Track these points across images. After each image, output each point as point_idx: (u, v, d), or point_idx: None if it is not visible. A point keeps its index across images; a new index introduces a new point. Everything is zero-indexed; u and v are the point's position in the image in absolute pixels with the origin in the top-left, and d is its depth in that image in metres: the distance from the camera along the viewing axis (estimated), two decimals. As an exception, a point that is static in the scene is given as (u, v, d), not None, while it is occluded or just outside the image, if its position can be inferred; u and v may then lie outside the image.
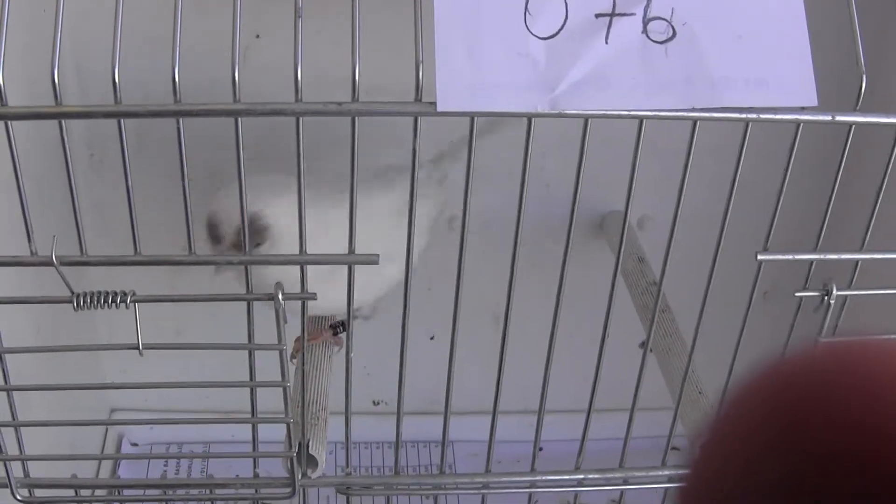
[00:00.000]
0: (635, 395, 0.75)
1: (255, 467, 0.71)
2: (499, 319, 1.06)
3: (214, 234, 0.73)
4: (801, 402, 0.28)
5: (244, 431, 0.73)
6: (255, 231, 0.72)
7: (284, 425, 0.70)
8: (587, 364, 0.83)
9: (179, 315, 0.92)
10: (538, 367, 0.77)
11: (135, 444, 1.07)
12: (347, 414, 0.71)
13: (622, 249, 0.70)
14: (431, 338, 1.04)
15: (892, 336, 0.63)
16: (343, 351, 0.76)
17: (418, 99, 0.58)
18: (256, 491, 0.71)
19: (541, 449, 1.03)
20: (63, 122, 0.59)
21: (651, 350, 0.86)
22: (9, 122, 0.59)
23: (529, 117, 0.60)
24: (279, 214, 0.72)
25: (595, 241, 1.00)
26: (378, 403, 1.09)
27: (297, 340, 0.75)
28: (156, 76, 0.60)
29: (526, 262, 0.70)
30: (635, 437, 0.79)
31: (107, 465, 1.05)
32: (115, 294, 0.63)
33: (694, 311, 0.73)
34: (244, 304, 0.66)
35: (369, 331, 0.84)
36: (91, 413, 0.98)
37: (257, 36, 0.89)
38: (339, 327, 0.82)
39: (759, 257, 0.67)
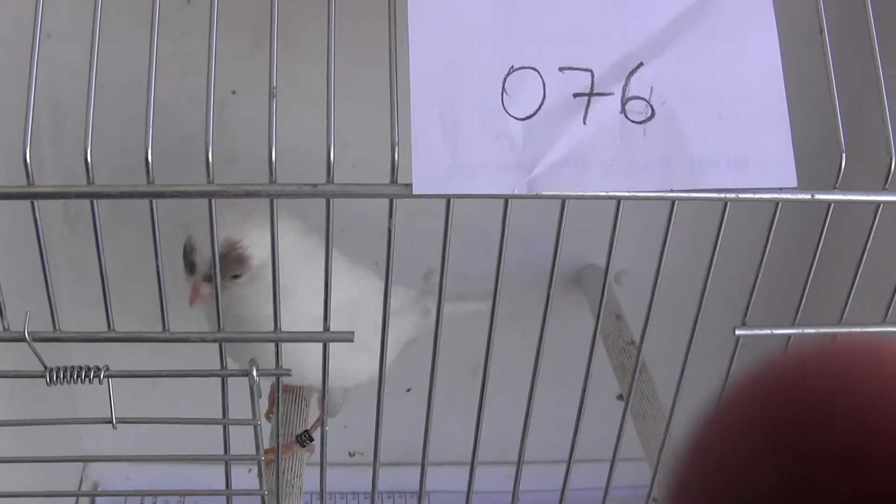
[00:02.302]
0: (612, 464, 0.74)
1: (229, 539, 0.69)
2: (475, 371, 1.06)
3: (189, 262, 0.69)
4: (793, 403, 0.27)
5: (221, 479, 0.72)
6: (232, 260, 0.69)
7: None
8: (562, 415, 0.82)
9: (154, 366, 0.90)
10: (514, 418, 0.76)
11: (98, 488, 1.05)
12: (322, 483, 0.70)
13: (601, 313, 0.69)
14: (408, 390, 1.02)
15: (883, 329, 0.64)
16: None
17: (394, 181, 0.57)
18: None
19: (518, 500, 1.02)
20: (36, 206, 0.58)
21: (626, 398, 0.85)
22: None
23: (506, 199, 0.59)
24: (260, 245, 0.67)
25: (571, 294, 0.98)
26: (354, 455, 1.07)
27: (269, 452, 0.70)
28: (132, 129, 0.59)
29: (502, 315, 0.68)
30: (616, 487, 0.78)
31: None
32: (89, 369, 0.61)
33: (669, 366, 0.72)
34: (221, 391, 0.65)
35: None
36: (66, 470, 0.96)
37: (233, 92, 0.87)
38: (305, 438, 0.79)
39: (738, 332, 0.66)
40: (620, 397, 1.06)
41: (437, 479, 0.88)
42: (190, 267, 0.70)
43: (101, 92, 0.56)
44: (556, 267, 0.63)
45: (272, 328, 0.62)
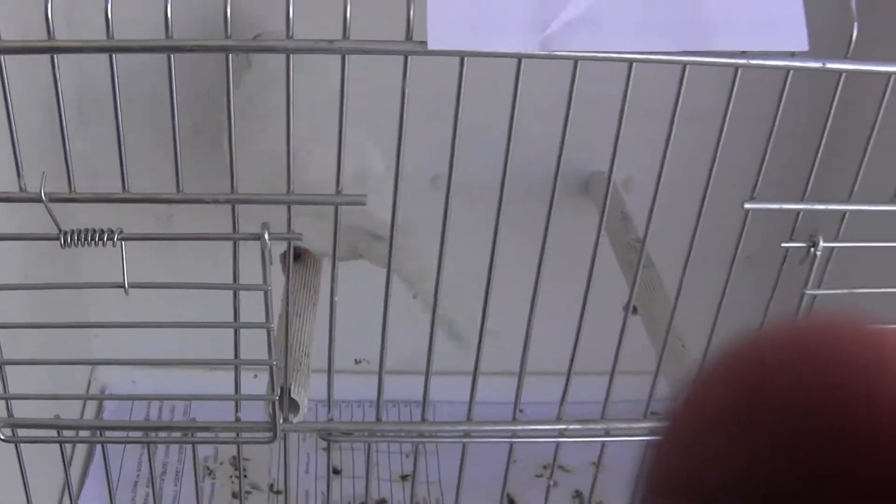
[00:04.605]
0: (618, 346, 0.78)
1: (236, 411, 0.74)
2: (480, 281, 1.09)
3: None
4: (763, 386, 0.29)
5: (227, 386, 0.76)
6: None
7: (266, 384, 0.73)
8: (572, 325, 0.85)
9: (167, 266, 0.94)
10: (518, 328, 0.79)
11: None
12: (330, 357, 0.74)
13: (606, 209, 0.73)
14: (414, 296, 1.06)
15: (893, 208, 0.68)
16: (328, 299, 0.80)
17: (409, 37, 0.61)
18: (238, 435, 0.74)
19: (521, 411, 1.06)
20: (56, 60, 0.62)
21: (636, 309, 0.89)
22: (1, 57, 0.61)
23: (519, 58, 0.63)
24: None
25: (579, 203, 1.02)
26: (360, 362, 1.11)
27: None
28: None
29: (507, 221, 0.73)
30: (620, 401, 0.81)
31: (90, 413, 1.07)
32: (103, 231, 0.65)
33: (679, 268, 0.76)
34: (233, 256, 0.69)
35: (352, 289, 0.85)
36: (75, 371, 1.01)
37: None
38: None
39: (746, 206, 0.70)
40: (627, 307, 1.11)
41: (440, 389, 0.91)
42: None
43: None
44: (564, 139, 0.67)
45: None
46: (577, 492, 1.06)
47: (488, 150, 0.79)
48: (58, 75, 0.62)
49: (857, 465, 0.27)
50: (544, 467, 1.09)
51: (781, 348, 0.30)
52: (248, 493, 1.02)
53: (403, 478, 1.08)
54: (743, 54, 0.63)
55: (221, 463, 1.05)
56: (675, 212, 0.73)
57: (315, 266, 0.84)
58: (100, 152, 0.97)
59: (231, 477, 1.03)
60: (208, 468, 1.04)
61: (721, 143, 0.69)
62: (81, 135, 0.97)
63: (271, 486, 1.03)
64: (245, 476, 1.03)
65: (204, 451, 1.04)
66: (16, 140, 0.63)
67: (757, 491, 0.28)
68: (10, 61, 0.62)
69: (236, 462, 1.04)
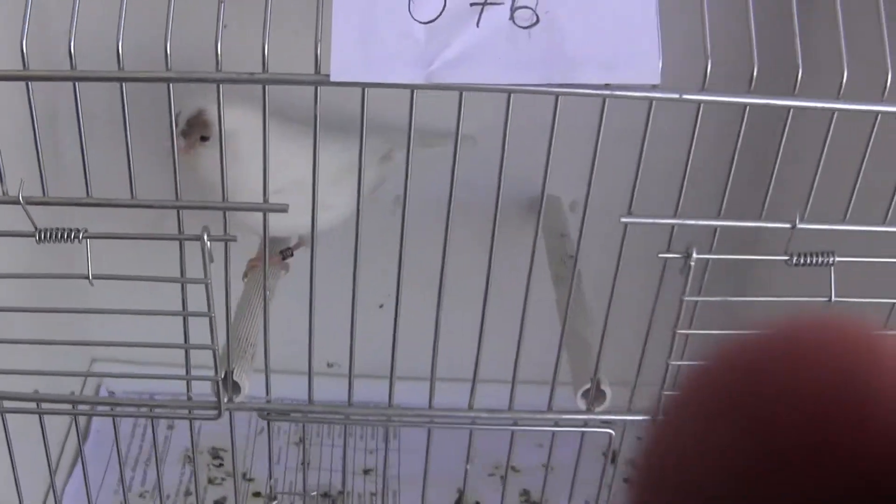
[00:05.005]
0: (518, 347, 0.90)
1: (188, 390, 0.87)
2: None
3: (176, 121, 0.86)
4: (752, 392, 0.30)
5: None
6: (199, 124, 0.93)
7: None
8: (510, 334, 0.95)
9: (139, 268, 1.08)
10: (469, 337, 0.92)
11: (112, 392, 1.24)
12: (266, 348, 0.87)
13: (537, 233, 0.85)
14: (381, 306, 1.19)
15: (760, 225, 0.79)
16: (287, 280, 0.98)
17: (317, 71, 0.74)
18: (190, 412, 0.87)
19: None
20: (30, 83, 0.76)
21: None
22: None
23: (412, 89, 0.76)
24: (222, 115, 0.79)
25: (529, 222, 1.14)
26: (332, 365, 1.24)
27: (249, 262, 0.97)
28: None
29: (468, 239, 0.85)
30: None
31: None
32: (71, 231, 0.79)
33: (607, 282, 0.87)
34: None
35: (326, 296, 0.97)
36: (74, 363, 1.15)
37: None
38: (288, 253, 1.03)
39: (623, 220, 0.82)
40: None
41: (408, 393, 1.03)
42: (176, 124, 0.87)
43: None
44: (457, 156, 0.80)
45: (240, 187, 0.81)
46: (524, 490, 1.17)
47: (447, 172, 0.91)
48: (32, 98, 0.76)
49: (864, 472, 0.27)
50: (496, 467, 1.21)
51: (768, 351, 0.31)
52: (222, 479, 1.16)
53: (366, 471, 1.20)
54: (607, 86, 0.75)
55: (201, 452, 1.19)
56: (611, 229, 0.83)
57: (274, 268, 0.98)
58: (93, 158, 1.11)
59: (209, 465, 1.17)
60: (189, 457, 1.18)
61: (595, 166, 0.80)
62: (77, 142, 1.12)
63: (244, 475, 1.17)
64: (221, 465, 1.18)
65: (185, 441, 1.18)
66: (-2, 153, 0.78)
67: (758, 492, 0.28)
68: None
69: (215, 451, 1.18)
